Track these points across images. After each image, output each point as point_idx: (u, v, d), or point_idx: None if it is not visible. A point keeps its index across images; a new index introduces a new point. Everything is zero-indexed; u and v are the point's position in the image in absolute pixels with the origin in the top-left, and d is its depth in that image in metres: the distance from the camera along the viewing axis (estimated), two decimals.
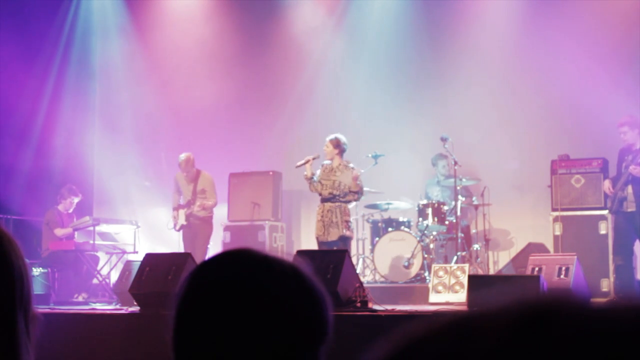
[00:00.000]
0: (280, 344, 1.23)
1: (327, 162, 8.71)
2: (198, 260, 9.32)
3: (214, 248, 10.37)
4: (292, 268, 1.29)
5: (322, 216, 8.59)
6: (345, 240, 8.61)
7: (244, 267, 1.28)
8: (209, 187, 10.01)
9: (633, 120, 8.34)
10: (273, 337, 1.22)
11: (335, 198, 8.59)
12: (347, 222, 8.65)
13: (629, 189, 8.18)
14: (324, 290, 1.30)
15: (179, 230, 10.02)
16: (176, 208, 10.06)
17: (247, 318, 1.22)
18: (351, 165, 8.69)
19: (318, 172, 8.71)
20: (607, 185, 8.42)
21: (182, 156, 10.05)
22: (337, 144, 8.62)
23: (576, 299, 0.56)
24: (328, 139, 8.69)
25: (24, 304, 1.50)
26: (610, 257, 8.47)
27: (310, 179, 8.62)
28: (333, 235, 8.51)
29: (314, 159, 8.68)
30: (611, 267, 8.43)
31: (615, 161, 8.59)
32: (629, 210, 8.18)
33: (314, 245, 9.10)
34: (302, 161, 8.68)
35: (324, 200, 8.63)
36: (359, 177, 8.57)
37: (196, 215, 9.93)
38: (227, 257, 1.32)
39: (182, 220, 9.96)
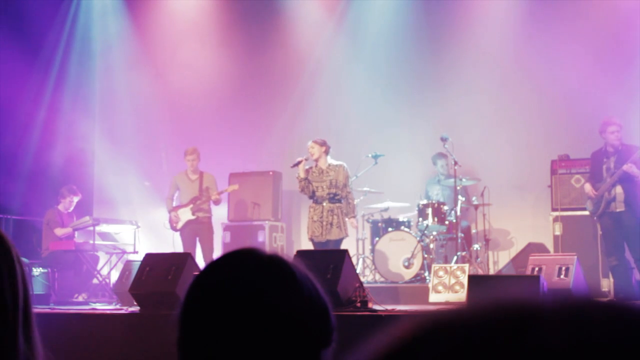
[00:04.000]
0: (284, 346, 1.23)
1: (311, 165, 8.71)
2: (206, 260, 9.32)
3: (214, 248, 10.37)
4: (296, 270, 1.29)
5: (320, 217, 8.58)
6: (342, 240, 8.64)
7: (249, 269, 1.28)
8: (213, 186, 10.02)
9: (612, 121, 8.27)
10: (277, 339, 1.22)
11: (335, 197, 8.60)
12: (345, 222, 8.69)
13: (617, 189, 8.11)
14: (325, 292, 1.31)
15: (178, 230, 9.97)
16: (174, 209, 10.00)
17: (252, 320, 1.23)
18: (340, 162, 8.72)
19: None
20: (589, 188, 8.30)
21: (190, 147, 10.06)
22: (323, 143, 8.67)
23: (551, 302, 0.57)
24: (311, 140, 8.72)
25: (24, 305, 1.50)
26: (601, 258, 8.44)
27: (304, 179, 8.63)
28: (333, 235, 8.51)
29: (305, 159, 8.70)
30: None
31: None
32: (618, 210, 8.10)
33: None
34: (296, 162, 8.69)
35: (322, 200, 8.62)
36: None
37: (201, 215, 9.87)
38: (233, 259, 1.32)
39: (187, 217, 9.89)
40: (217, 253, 9.80)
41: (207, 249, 9.76)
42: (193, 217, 9.87)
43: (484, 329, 0.55)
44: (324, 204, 8.60)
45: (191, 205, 9.89)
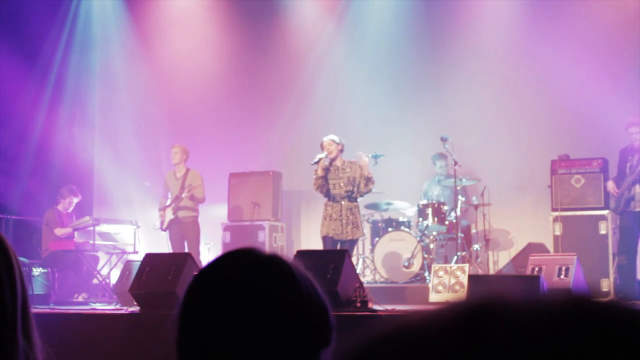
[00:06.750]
0: (283, 346, 1.23)
1: (325, 162, 8.63)
2: None
3: (214, 248, 10.36)
4: (295, 270, 1.29)
5: (339, 215, 8.42)
6: (358, 240, 8.62)
7: (248, 268, 1.28)
8: (195, 184, 9.84)
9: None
10: (276, 339, 1.22)
11: (352, 195, 8.49)
12: (361, 221, 8.63)
13: (637, 188, 8.15)
14: (324, 292, 1.31)
15: (165, 230, 9.91)
16: (162, 208, 9.95)
17: (251, 320, 1.22)
18: (353, 159, 8.62)
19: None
20: (611, 185, 8.38)
21: (176, 146, 10.02)
22: (339, 142, 8.56)
23: (509, 298, 0.58)
24: (330, 138, 8.53)
25: (23, 304, 1.50)
26: (610, 256, 8.45)
27: (322, 178, 8.47)
28: (355, 234, 8.43)
29: (326, 156, 8.56)
30: (611, 267, 8.42)
31: (615, 161, 8.58)
32: (637, 209, 8.16)
33: (313, 245, 9.08)
34: (317, 159, 8.51)
35: (340, 198, 8.48)
36: (367, 164, 8.50)
37: (183, 214, 9.76)
38: (232, 258, 1.32)
39: (169, 216, 9.82)
40: (215, 253, 9.77)
41: (193, 249, 9.64)
42: (173, 217, 9.79)
43: (437, 328, 0.57)
44: (342, 202, 8.44)
45: (173, 205, 9.84)
